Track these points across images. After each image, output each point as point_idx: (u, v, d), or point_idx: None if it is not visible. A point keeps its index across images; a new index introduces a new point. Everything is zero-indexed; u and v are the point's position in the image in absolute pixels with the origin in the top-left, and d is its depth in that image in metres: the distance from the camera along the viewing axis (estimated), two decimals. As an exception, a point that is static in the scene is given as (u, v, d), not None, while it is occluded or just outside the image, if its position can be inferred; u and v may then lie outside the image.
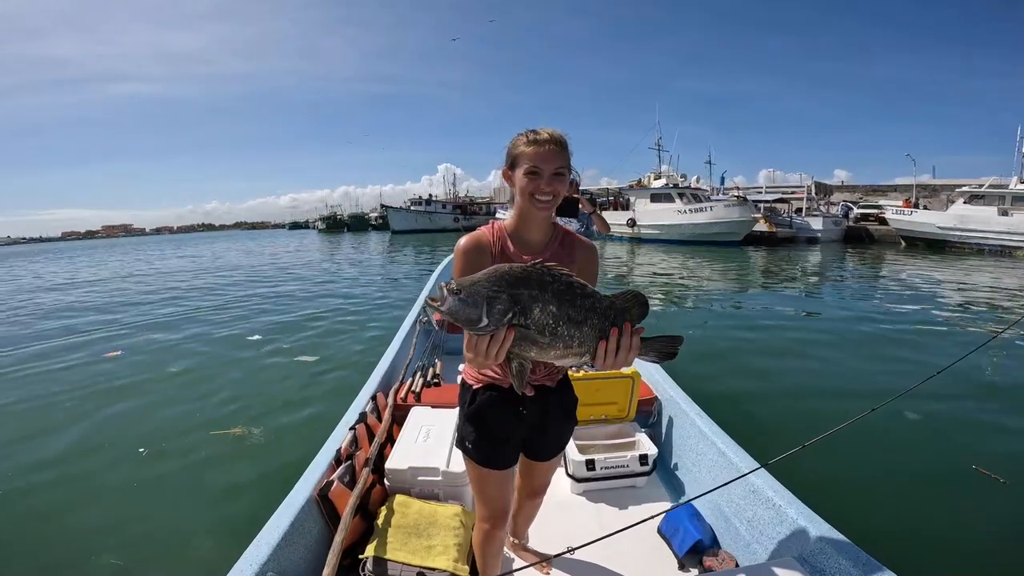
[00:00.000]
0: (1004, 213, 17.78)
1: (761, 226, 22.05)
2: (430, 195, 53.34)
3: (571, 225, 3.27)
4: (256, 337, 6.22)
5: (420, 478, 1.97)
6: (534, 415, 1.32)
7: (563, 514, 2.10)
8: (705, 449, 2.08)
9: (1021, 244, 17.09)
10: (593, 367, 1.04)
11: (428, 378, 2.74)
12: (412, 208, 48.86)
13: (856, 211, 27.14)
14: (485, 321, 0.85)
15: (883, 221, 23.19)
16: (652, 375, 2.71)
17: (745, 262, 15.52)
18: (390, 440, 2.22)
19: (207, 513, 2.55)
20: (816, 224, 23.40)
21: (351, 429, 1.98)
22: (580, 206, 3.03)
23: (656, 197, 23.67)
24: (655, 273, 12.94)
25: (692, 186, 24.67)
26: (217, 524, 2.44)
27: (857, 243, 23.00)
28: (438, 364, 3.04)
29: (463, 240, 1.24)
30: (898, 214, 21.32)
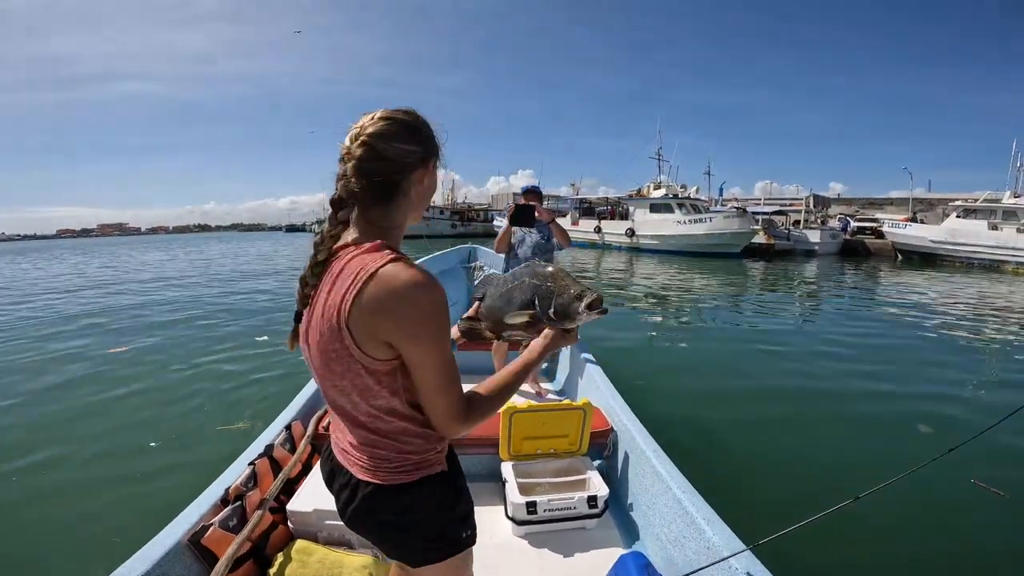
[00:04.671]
0: (994, 228, 17.72)
1: (759, 238, 21.79)
2: None
3: (530, 237, 2.99)
4: (264, 338, 6.32)
5: (328, 522, 1.71)
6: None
7: (503, 557, 1.84)
8: (660, 494, 1.82)
9: (1008, 258, 17.03)
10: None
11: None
12: (408, 213, 48.39)
13: (853, 224, 27.01)
14: None
15: (879, 234, 23.08)
16: (607, 402, 2.44)
17: (746, 274, 15.25)
18: (305, 473, 1.96)
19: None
20: (814, 237, 23.20)
21: (251, 464, 1.71)
22: (537, 214, 2.75)
23: (655, 207, 23.31)
24: (656, 284, 12.68)
25: (691, 197, 24.30)
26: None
27: (853, 256, 22.82)
28: None
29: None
30: (894, 227, 21.23)
